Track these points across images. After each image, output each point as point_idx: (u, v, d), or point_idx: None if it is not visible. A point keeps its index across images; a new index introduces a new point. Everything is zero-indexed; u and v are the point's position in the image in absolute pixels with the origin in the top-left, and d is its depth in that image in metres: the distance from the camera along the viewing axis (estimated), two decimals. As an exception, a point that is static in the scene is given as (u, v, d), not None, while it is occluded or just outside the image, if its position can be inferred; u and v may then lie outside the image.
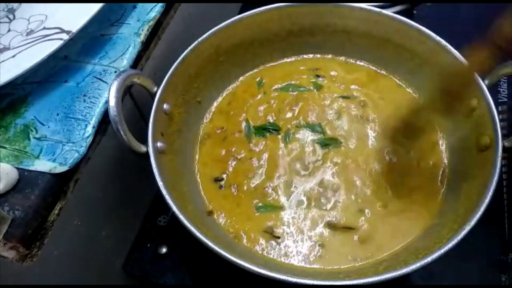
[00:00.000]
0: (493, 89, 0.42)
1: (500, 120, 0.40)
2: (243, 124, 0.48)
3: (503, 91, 0.56)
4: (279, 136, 0.47)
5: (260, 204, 0.43)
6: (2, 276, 0.35)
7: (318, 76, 0.51)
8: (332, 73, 0.51)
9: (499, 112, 0.40)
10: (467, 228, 0.35)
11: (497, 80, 0.42)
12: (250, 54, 0.51)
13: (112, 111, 0.37)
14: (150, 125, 0.40)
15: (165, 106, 0.43)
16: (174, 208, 0.36)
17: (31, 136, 0.39)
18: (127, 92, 0.44)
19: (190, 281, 0.47)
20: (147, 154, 0.39)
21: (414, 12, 0.60)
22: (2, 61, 0.40)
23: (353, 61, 0.52)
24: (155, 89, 0.43)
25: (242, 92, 0.51)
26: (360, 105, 0.49)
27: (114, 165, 0.45)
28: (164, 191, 0.37)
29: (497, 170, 0.37)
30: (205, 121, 0.49)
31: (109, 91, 0.37)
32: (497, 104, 0.47)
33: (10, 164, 0.37)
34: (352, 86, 0.50)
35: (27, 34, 0.43)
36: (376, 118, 0.47)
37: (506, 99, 0.55)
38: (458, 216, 0.38)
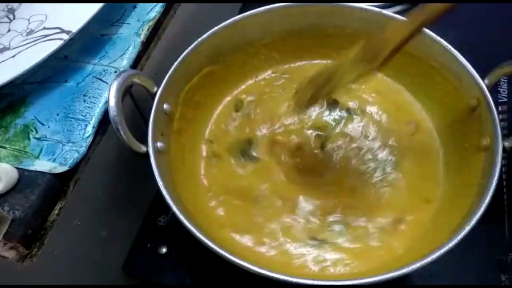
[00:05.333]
0: (493, 89, 0.42)
1: (500, 120, 0.40)
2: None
3: (503, 91, 0.56)
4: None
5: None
6: (2, 276, 0.35)
7: None
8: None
9: (499, 112, 0.40)
10: (467, 228, 0.35)
11: (497, 80, 0.42)
12: (250, 54, 0.51)
13: (112, 111, 0.37)
14: (150, 125, 0.40)
15: (165, 106, 0.43)
16: (174, 208, 0.36)
17: (31, 136, 0.39)
18: (127, 92, 0.44)
19: (190, 281, 0.47)
20: (147, 154, 0.39)
21: (414, 12, 0.60)
22: (2, 61, 0.40)
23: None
24: (155, 89, 0.43)
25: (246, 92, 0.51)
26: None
27: (114, 165, 0.45)
28: (164, 191, 0.37)
29: (497, 170, 0.37)
30: (205, 120, 0.49)
31: (109, 91, 0.37)
32: (497, 104, 0.47)
33: (10, 164, 0.37)
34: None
35: (27, 34, 0.43)
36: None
37: (506, 99, 0.55)
38: (458, 216, 0.38)
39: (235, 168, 0.46)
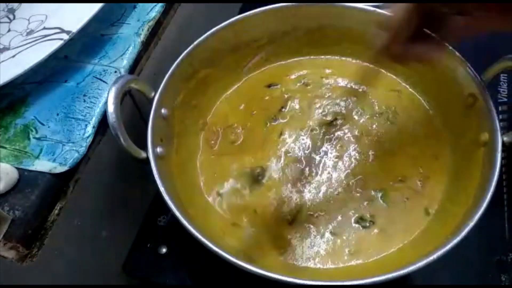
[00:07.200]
0: (493, 88, 0.42)
1: (500, 120, 0.40)
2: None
3: (503, 91, 0.56)
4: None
5: None
6: (2, 276, 0.35)
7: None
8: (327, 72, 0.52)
9: (499, 112, 0.40)
10: (467, 228, 0.35)
11: (495, 75, 0.42)
12: (250, 55, 0.51)
13: (111, 117, 0.37)
14: (149, 132, 0.40)
15: (163, 111, 0.43)
16: (176, 213, 0.36)
17: (31, 136, 0.39)
18: (127, 94, 0.43)
19: (190, 281, 0.47)
20: (147, 159, 0.39)
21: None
22: (2, 61, 0.40)
23: (351, 60, 0.52)
24: (153, 94, 0.42)
25: (242, 93, 0.51)
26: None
27: (114, 165, 0.45)
28: (165, 196, 0.37)
29: (497, 168, 0.37)
30: (204, 123, 0.49)
31: (107, 97, 0.37)
32: (497, 104, 0.47)
33: (10, 164, 0.37)
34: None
35: (27, 34, 0.43)
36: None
37: (506, 99, 0.55)
38: (458, 215, 0.38)
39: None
